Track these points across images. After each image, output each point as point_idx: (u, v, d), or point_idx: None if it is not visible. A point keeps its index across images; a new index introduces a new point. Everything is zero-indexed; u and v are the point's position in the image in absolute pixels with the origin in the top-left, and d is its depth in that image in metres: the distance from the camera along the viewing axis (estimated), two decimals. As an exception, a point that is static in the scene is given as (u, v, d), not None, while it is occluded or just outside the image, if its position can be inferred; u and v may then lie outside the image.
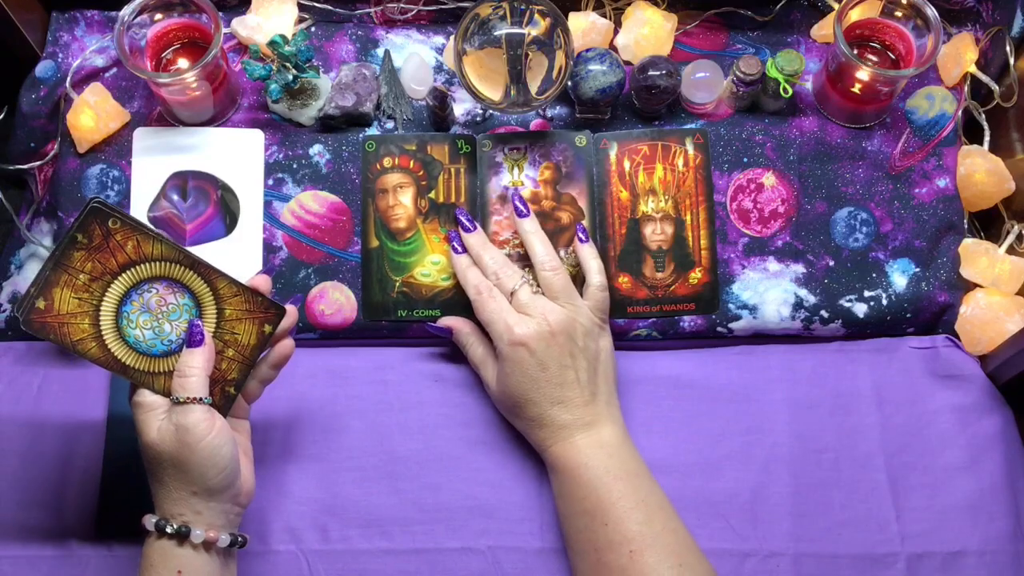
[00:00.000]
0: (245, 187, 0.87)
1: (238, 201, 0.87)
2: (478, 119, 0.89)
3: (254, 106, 0.89)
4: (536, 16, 0.81)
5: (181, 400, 0.67)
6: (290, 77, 0.85)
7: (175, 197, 0.86)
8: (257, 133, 0.88)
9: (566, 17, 0.86)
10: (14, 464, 0.81)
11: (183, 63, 0.87)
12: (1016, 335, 0.81)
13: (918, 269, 0.86)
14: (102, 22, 0.92)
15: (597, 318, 0.79)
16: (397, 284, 0.85)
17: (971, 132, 0.92)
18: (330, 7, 0.91)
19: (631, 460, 0.75)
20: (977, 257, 0.86)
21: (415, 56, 0.89)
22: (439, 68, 0.91)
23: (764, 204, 0.87)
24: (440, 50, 0.91)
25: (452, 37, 0.87)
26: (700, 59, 0.89)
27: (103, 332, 0.68)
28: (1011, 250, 0.86)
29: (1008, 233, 0.87)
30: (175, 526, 0.67)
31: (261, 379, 0.74)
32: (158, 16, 0.85)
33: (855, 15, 0.86)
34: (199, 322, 0.70)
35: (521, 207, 0.82)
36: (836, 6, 0.90)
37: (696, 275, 0.86)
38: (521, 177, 0.87)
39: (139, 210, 0.86)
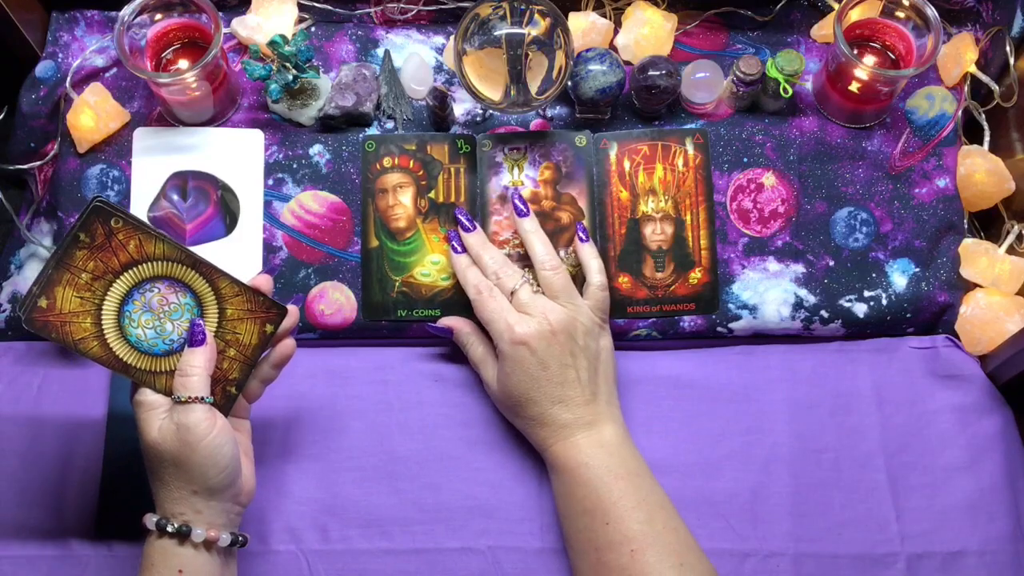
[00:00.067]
0: (245, 187, 0.87)
1: (238, 201, 0.87)
2: (478, 119, 0.89)
3: (254, 106, 0.89)
4: (536, 16, 0.81)
5: (183, 399, 0.67)
6: (290, 77, 0.85)
7: (175, 197, 0.86)
8: (257, 133, 0.88)
9: (566, 17, 0.86)
10: (14, 464, 0.81)
11: (183, 63, 0.87)
12: (1016, 335, 0.81)
13: (918, 269, 0.86)
14: (102, 22, 0.92)
15: (597, 317, 0.80)
16: (397, 284, 0.85)
17: (971, 132, 0.92)
18: (330, 7, 0.92)
19: (632, 459, 0.75)
20: (977, 257, 0.86)
21: (415, 56, 0.90)
22: (439, 68, 0.91)
23: (764, 204, 0.87)
24: (440, 50, 0.92)
25: (452, 37, 0.88)
26: (700, 59, 0.89)
27: (105, 331, 0.68)
28: (1011, 250, 0.86)
29: (1008, 233, 0.87)
30: (176, 525, 0.67)
31: (262, 379, 0.74)
32: (158, 16, 0.85)
33: (855, 15, 0.86)
34: (201, 321, 0.70)
35: (521, 206, 0.82)
36: (836, 6, 0.91)
37: (696, 275, 0.86)
38: (521, 177, 0.87)
39: (139, 210, 0.86)
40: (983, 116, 0.91)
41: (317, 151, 0.88)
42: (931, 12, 0.83)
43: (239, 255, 0.86)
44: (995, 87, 0.89)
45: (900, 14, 0.86)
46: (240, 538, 0.70)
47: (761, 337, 0.87)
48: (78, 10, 0.92)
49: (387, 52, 0.91)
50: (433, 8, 0.92)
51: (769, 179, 0.87)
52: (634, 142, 0.88)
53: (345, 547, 0.79)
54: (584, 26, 0.90)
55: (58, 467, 0.81)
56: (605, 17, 0.91)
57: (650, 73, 0.85)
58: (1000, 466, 0.82)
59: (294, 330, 0.75)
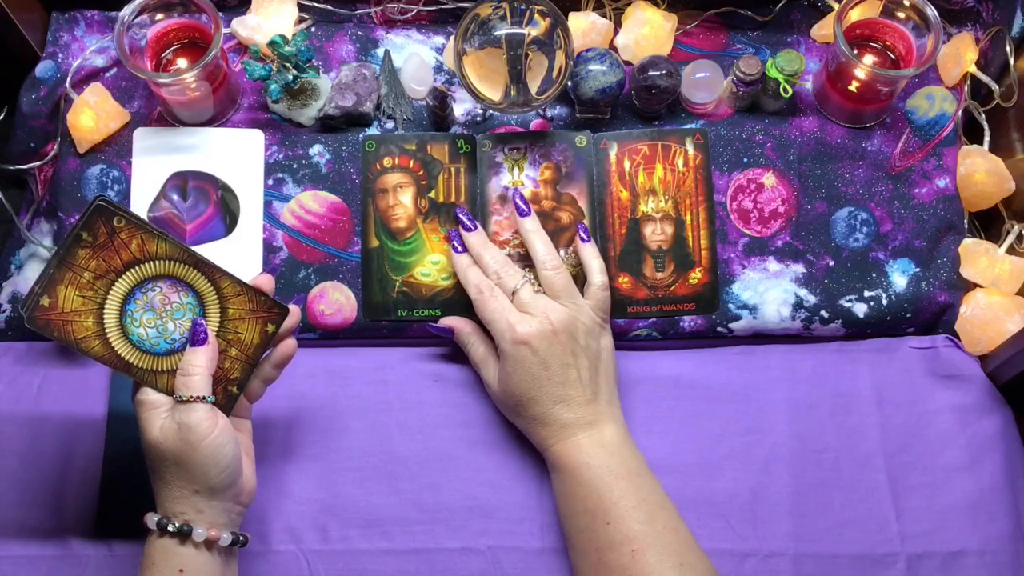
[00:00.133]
0: (245, 187, 0.87)
1: (238, 201, 0.87)
2: (478, 119, 0.89)
3: (254, 106, 0.89)
4: (536, 16, 0.82)
5: (184, 399, 0.67)
6: (290, 77, 0.85)
7: (175, 197, 0.87)
8: (257, 133, 0.88)
9: (566, 17, 0.86)
10: (14, 464, 0.81)
11: (183, 63, 0.87)
12: (1016, 335, 0.81)
13: (918, 269, 0.86)
14: (102, 22, 0.92)
15: (598, 317, 0.80)
16: (397, 284, 0.85)
17: (971, 132, 0.92)
18: (330, 7, 0.92)
19: (632, 459, 0.75)
20: (977, 257, 0.86)
21: (415, 56, 0.90)
22: (439, 68, 0.91)
23: (764, 204, 0.87)
24: (440, 50, 0.92)
25: (452, 37, 0.88)
26: (700, 59, 0.89)
27: (107, 330, 0.69)
28: (1011, 250, 0.86)
29: (1008, 233, 0.87)
30: (177, 524, 0.67)
31: (263, 378, 0.74)
32: (158, 16, 0.85)
33: (855, 15, 0.86)
34: (203, 321, 0.70)
35: (522, 206, 0.82)
36: (836, 6, 0.91)
37: (696, 275, 0.86)
38: (521, 177, 0.87)
39: (139, 210, 0.86)
40: (983, 116, 0.91)
41: (317, 151, 0.88)
42: (931, 12, 0.83)
43: (239, 255, 0.86)
44: (995, 87, 0.90)
45: (900, 14, 0.86)
46: (241, 538, 0.71)
47: (761, 337, 0.87)
48: (78, 10, 0.92)
49: (387, 52, 0.91)
50: (433, 8, 0.92)
51: (769, 179, 0.88)
52: (634, 142, 0.88)
53: (345, 547, 0.79)
54: (584, 26, 0.90)
55: (58, 467, 0.81)
56: (605, 17, 0.92)
57: (650, 73, 0.85)
58: (1000, 466, 0.82)
59: (295, 330, 0.75)
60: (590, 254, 0.82)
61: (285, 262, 0.86)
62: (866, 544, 0.80)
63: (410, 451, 0.82)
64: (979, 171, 0.88)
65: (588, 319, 0.78)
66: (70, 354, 0.85)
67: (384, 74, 0.90)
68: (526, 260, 0.83)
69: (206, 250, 0.83)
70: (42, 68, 0.89)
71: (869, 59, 0.88)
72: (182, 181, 0.87)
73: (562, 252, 0.85)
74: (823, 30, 0.92)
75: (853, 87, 0.85)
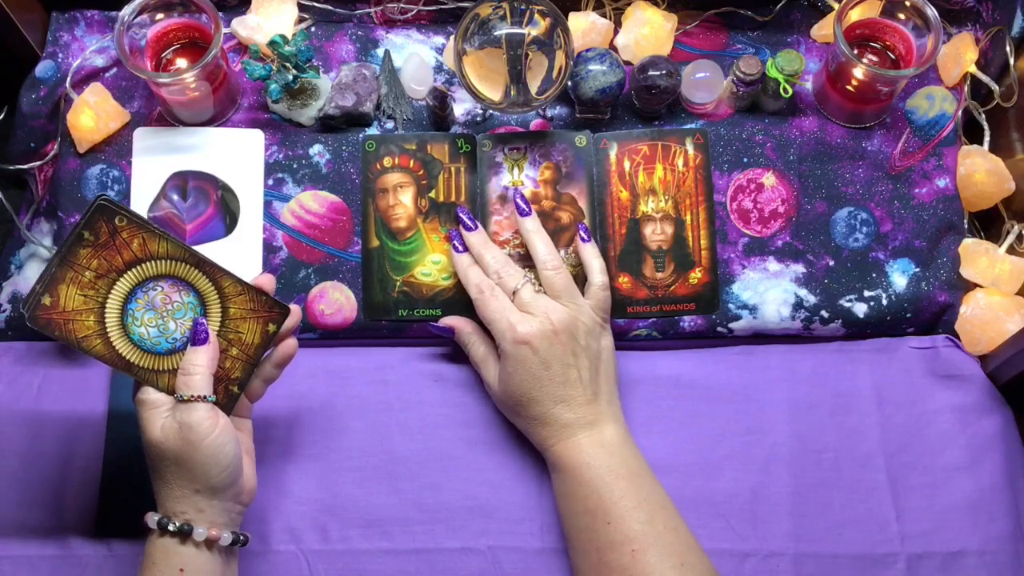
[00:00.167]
0: (245, 187, 0.87)
1: (238, 201, 0.87)
2: (478, 119, 0.89)
3: (254, 106, 0.89)
4: (536, 16, 0.82)
5: (185, 398, 0.68)
6: (290, 77, 0.85)
7: (175, 197, 0.87)
8: (257, 133, 0.88)
9: (566, 17, 0.86)
10: (14, 464, 0.82)
11: (183, 63, 0.87)
12: (1016, 335, 0.81)
13: (918, 269, 0.86)
14: (102, 22, 0.92)
15: (599, 317, 0.80)
16: (398, 284, 0.85)
17: (971, 132, 0.92)
18: (330, 7, 0.92)
19: (633, 459, 0.76)
20: (977, 257, 0.86)
21: (415, 56, 0.90)
22: (439, 68, 0.91)
23: (764, 204, 0.87)
24: (440, 50, 0.92)
25: (452, 37, 0.88)
26: (700, 59, 0.89)
27: (108, 329, 0.69)
28: (1011, 250, 0.86)
29: (1008, 233, 0.87)
30: (177, 524, 0.68)
31: (264, 378, 0.75)
32: (158, 16, 0.85)
33: (855, 15, 0.87)
34: (204, 320, 0.70)
35: (523, 206, 0.82)
36: (836, 6, 0.91)
37: (696, 275, 0.86)
38: (521, 177, 0.87)
39: (139, 210, 0.86)
40: (983, 116, 0.91)
41: (317, 151, 0.88)
42: (931, 12, 0.83)
43: (239, 255, 0.86)
44: (995, 87, 0.90)
45: (900, 14, 0.86)
46: (241, 537, 0.71)
47: (761, 337, 0.87)
48: (78, 10, 0.92)
49: (387, 52, 0.91)
50: (433, 8, 0.92)
51: (769, 179, 0.88)
52: (634, 142, 0.88)
53: (345, 547, 0.79)
54: (584, 26, 0.90)
55: (58, 467, 0.81)
56: (605, 17, 0.92)
57: (650, 73, 0.85)
58: (1000, 466, 0.82)
59: (296, 330, 0.75)
60: (591, 254, 0.82)
61: (285, 262, 0.86)
62: (866, 544, 0.80)
63: (410, 451, 0.82)
64: (979, 171, 0.88)
65: (589, 319, 0.79)
66: (70, 354, 0.85)
67: (384, 74, 0.90)
68: (526, 260, 0.83)
69: (206, 250, 0.84)
70: (42, 68, 0.90)
71: (869, 59, 0.88)
72: (182, 181, 0.87)
73: (562, 252, 0.85)
74: (823, 30, 0.92)
75: (851, 85, 0.85)
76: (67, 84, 0.88)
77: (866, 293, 0.86)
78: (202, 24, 0.86)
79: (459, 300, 0.84)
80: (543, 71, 0.83)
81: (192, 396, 0.68)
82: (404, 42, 0.92)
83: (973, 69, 0.90)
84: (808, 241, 0.87)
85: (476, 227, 0.83)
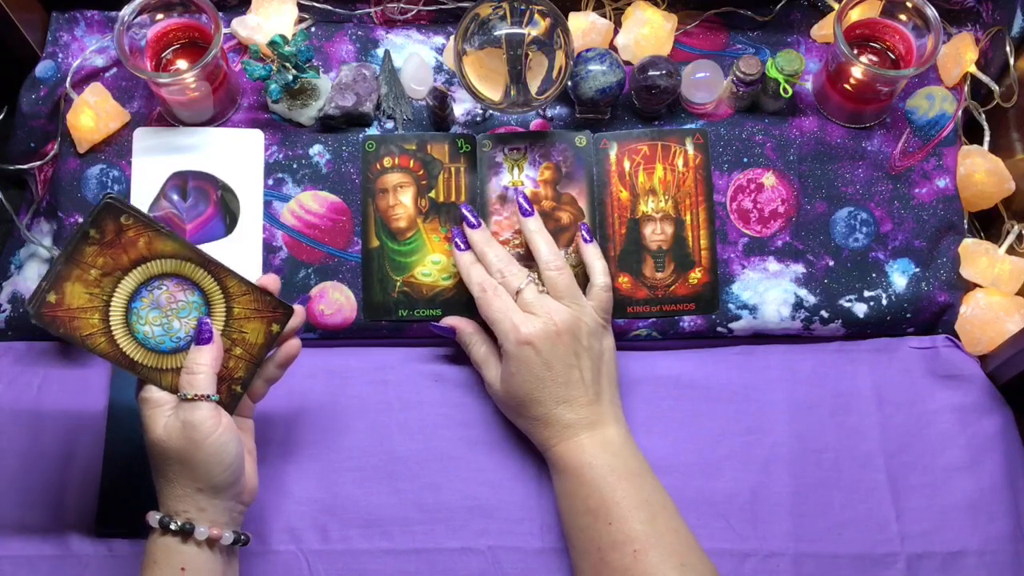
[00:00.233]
0: (245, 187, 0.87)
1: (238, 201, 0.87)
2: (478, 119, 0.89)
3: (254, 106, 0.90)
4: (536, 16, 0.82)
5: (188, 397, 0.68)
6: (290, 77, 0.85)
7: (175, 197, 0.87)
8: (257, 133, 0.88)
9: (566, 17, 0.87)
10: (14, 464, 0.82)
11: (183, 63, 0.87)
12: (1016, 335, 0.81)
13: (918, 269, 0.86)
14: (102, 22, 0.92)
15: (601, 318, 0.80)
16: (398, 284, 0.85)
17: (971, 132, 0.92)
18: (330, 7, 0.92)
19: (634, 459, 0.76)
20: (977, 257, 0.86)
21: (415, 56, 0.90)
22: (439, 68, 0.91)
23: (764, 204, 0.87)
24: (440, 50, 0.92)
25: (452, 37, 0.88)
26: (700, 59, 0.89)
27: (112, 327, 0.69)
28: (1011, 250, 0.87)
29: (1008, 233, 0.87)
30: (179, 523, 0.68)
31: (267, 378, 0.75)
32: (158, 16, 0.85)
33: (855, 15, 0.87)
34: (208, 320, 0.71)
35: (526, 205, 0.82)
36: (836, 6, 0.91)
37: (696, 275, 0.86)
38: (521, 177, 0.87)
39: (139, 210, 0.86)
40: (983, 116, 0.91)
41: (317, 151, 0.88)
42: (931, 12, 0.83)
43: (239, 255, 0.86)
44: (995, 87, 0.90)
45: (900, 14, 0.86)
46: (242, 537, 0.71)
47: (761, 337, 0.87)
48: (78, 10, 0.92)
49: (387, 52, 0.91)
50: (433, 8, 0.92)
51: (769, 179, 0.88)
52: (634, 142, 0.88)
53: (345, 547, 0.79)
54: (584, 26, 0.90)
55: (58, 467, 0.81)
56: (605, 17, 0.92)
57: (650, 73, 0.85)
58: (1000, 466, 0.82)
59: (299, 330, 0.75)
60: (593, 255, 0.82)
61: (285, 262, 0.86)
62: (866, 544, 0.80)
63: (410, 451, 0.82)
64: (979, 171, 0.88)
65: (591, 320, 0.79)
66: (70, 354, 0.85)
67: (384, 74, 0.90)
68: (526, 259, 0.83)
69: (206, 250, 0.84)
70: (42, 68, 0.90)
71: (869, 59, 0.88)
72: (182, 181, 0.87)
73: (562, 252, 0.85)
74: (823, 30, 0.92)
75: (849, 84, 0.85)
76: (67, 84, 0.88)
77: (866, 293, 0.86)
78: (202, 24, 0.86)
79: (459, 300, 0.84)
80: (543, 71, 0.83)
81: (196, 395, 0.68)
82: (404, 42, 0.92)
83: (973, 69, 0.90)
84: (808, 241, 0.87)
85: (479, 224, 0.83)
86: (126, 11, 0.82)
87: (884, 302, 0.86)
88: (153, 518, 0.69)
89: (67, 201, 0.87)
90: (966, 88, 0.91)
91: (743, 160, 0.88)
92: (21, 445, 0.82)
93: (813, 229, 0.87)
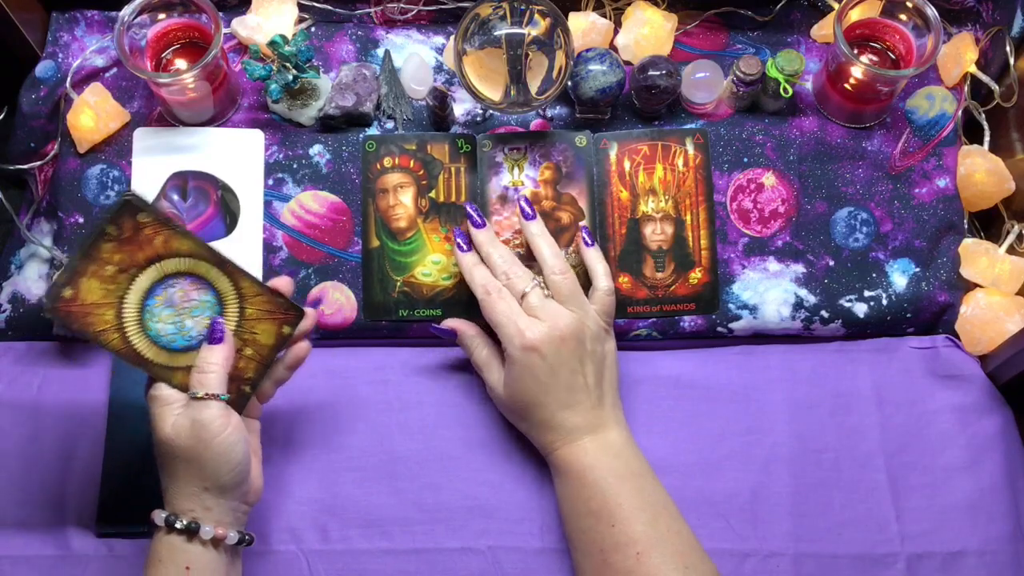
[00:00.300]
0: (245, 187, 0.87)
1: (238, 201, 0.87)
2: (478, 119, 0.89)
3: (254, 106, 0.90)
4: (536, 16, 0.82)
5: (199, 396, 0.68)
6: (290, 77, 0.85)
7: (175, 197, 0.87)
8: (257, 133, 0.88)
9: (566, 17, 0.87)
10: (14, 464, 0.82)
11: (183, 63, 0.87)
12: (1016, 335, 0.81)
13: (918, 269, 0.86)
14: (102, 22, 0.92)
15: (603, 322, 0.80)
16: (398, 284, 0.85)
17: (971, 132, 0.92)
18: (330, 7, 0.92)
19: (636, 462, 0.76)
20: (977, 257, 0.86)
21: (415, 56, 0.90)
22: (439, 68, 0.91)
23: (764, 204, 0.87)
24: (440, 50, 0.92)
25: (452, 37, 0.88)
26: (700, 59, 0.89)
27: (125, 324, 0.69)
28: (1011, 250, 0.87)
29: (1008, 233, 0.87)
30: (185, 522, 0.68)
31: (276, 379, 0.75)
32: (158, 16, 0.86)
33: (855, 15, 0.87)
34: (221, 320, 0.71)
35: (528, 209, 0.82)
36: (836, 6, 0.91)
37: (696, 275, 0.86)
38: (521, 177, 0.87)
39: (139, 210, 0.86)
40: (983, 116, 0.91)
41: (317, 151, 0.88)
42: (931, 12, 0.83)
43: (239, 255, 0.85)
44: (995, 87, 0.90)
45: (900, 14, 0.86)
46: (247, 537, 0.71)
47: (761, 337, 0.87)
48: (78, 10, 0.92)
49: (387, 52, 0.91)
50: (433, 8, 0.92)
51: (769, 179, 0.88)
52: (634, 142, 0.88)
53: (345, 547, 0.79)
54: (584, 26, 0.90)
55: (58, 467, 0.82)
56: (605, 17, 0.92)
57: (650, 73, 0.85)
58: (1000, 466, 0.82)
59: (310, 333, 0.75)
60: (595, 258, 0.81)
61: (285, 262, 0.86)
62: (866, 544, 0.80)
63: (410, 451, 0.82)
64: (979, 171, 0.88)
65: (595, 324, 0.78)
66: (70, 354, 0.85)
67: (384, 74, 0.90)
68: (527, 259, 0.83)
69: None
70: (42, 68, 0.90)
71: (869, 59, 0.88)
72: (182, 181, 0.87)
73: (563, 251, 0.85)
74: (823, 30, 0.92)
75: (849, 84, 0.85)
76: (67, 84, 0.88)
77: (866, 293, 0.86)
78: (202, 24, 0.86)
79: (459, 300, 0.85)
80: (543, 71, 0.83)
81: (206, 394, 0.68)
82: (404, 42, 0.92)
83: (973, 69, 0.90)
84: (808, 241, 0.87)
85: (484, 223, 0.82)
86: (126, 11, 0.82)
87: (884, 302, 0.86)
88: (159, 516, 0.69)
89: (67, 201, 0.87)
90: (966, 88, 0.91)
91: (743, 160, 0.88)
92: (21, 445, 0.82)
93: (813, 229, 0.87)
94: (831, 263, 0.87)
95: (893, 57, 0.88)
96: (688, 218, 0.87)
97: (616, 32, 0.92)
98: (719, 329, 0.86)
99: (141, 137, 0.88)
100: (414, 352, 0.86)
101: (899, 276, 0.87)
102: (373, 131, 0.89)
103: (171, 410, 0.69)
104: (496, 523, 0.80)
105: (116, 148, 0.88)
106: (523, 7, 0.82)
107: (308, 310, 0.74)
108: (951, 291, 0.87)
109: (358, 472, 0.82)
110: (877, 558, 0.80)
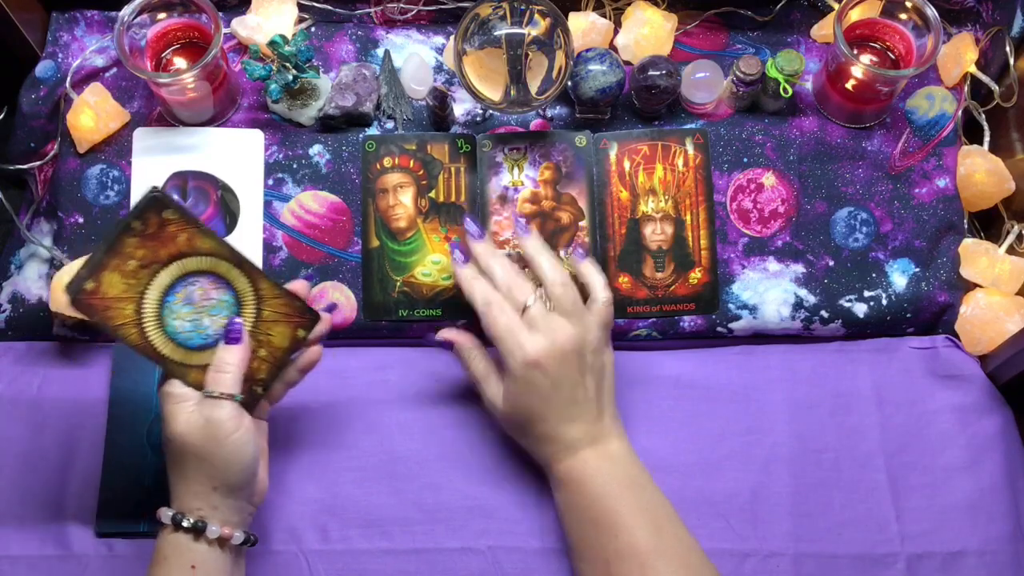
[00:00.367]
0: (245, 187, 0.87)
1: (238, 201, 0.87)
2: (478, 119, 0.89)
3: (254, 106, 0.90)
4: (536, 16, 0.82)
5: (214, 394, 0.69)
6: (290, 77, 0.85)
7: (175, 197, 0.87)
8: (257, 133, 0.88)
9: (566, 17, 0.87)
10: (14, 464, 0.82)
11: (183, 63, 0.87)
12: (1016, 335, 0.81)
13: (918, 269, 0.86)
14: (102, 22, 0.92)
15: (603, 333, 0.79)
16: (398, 284, 0.86)
17: (971, 132, 0.93)
18: (330, 7, 0.92)
19: (637, 471, 0.76)
20: (977, 257, 0.86)
21: (415, 56, 0.90)
22: (439, 68, 0.91)
23: (764, 204, 0.87)
24: (440, 50, 0.92)
25: (452, 37, 0.88)
26: (700, 59, 0.89)
27: (144, 319, 0.70)
28: (1011, 250, 0.87)
29: (1008, 233, 0.87)
30: (191, 520, 0.68)
31: (287, 382, 0.76)
32: (158, 16, 0.86)
33: (855, 15, 0.87)
34: (240, 320, 0.72)
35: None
36: (836, 6, 0.91)
37: (696, 275, 0.86)
38: (521, 177, 0.87)
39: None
40: (983, 116, 0.92)
41: (317, 151, 0.88)
42: (931, 12, 0.83)
43: (239, 255, 0.86)
44: (995, 87, 0.90)
45: (900, 14, 0.86)
46: (251, 537, 0.72)
47: (761, 337, 0.87)
48: (78, 10, 0.92)
49: (387, 52, 0.91)
50: (433, 8, 0.92)
51: (769, 179, 0.88)
52: (634, 142, 0.88)
53: (345, 547, 0.79)
54: (584, 26, 0.90)
55: (58, 467, 0.82)
56: (605, 17, 0.92)
57: (650, 73, 0.85)
58: (1000, 466, 0.82)
59: (323, 337, 0.76)
60: (591, 270, 0.80)
61: (285, 262, 0.86)
62: (866, 544, 0.80)
63: (410, 451, 0.82)
64: (979, 171, 0.88)
65: (595, 337, 0.77)
66: (70, 354, 0.86)
67: (384, 74, 0.90)
68: (523, 261, 0.83)
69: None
70: (42, 68, 0.90)
71: (869, 59, 0.88)
72: (182, 181, 0.87)
73: (561, 252, 0.85)
74: (823, 30, 0.92)
75: (849, 84, 0.85)
76: (67, 84, 0.88)
77: (866, 293, 0.86)
78: (202, 24, 0.86)
79: (459, 301, 0.84)
80: (543, 71, 0.83)
81: (221, 393, 0.69)
82: (404, 42, 0.92)
83: (973, 69, 0.90)
84: (808, 241, 0.87)
85: (483, 236, 0.81)
86: (126, 11, 0.83)
87: (884, 302, 0.86)
88: (165, 514, 0.69)
89: (67, 201, 0.87)
90: (966, 88, 0.91)
91: (743, 160, 0.88)
92: (21, 445, 0.83)
93: (813, 229, 0.87)
94: (831, 263, 0.87)
95: (893, 57, 0.88)
96: (688, 218, 0.87)
97: (616, 32, 0.92)
98: (719, 329, 0.86)
99: (141, 137, 0.88)
100: (414, 352, 0.86)
101: (899, 276, 0.87)
102: (373, 131, 0.89)
103: (184, 407, 0.69)
104: (496, 523, 0.80)
105: (116, 148, 0.88)
106: (523, 7, 0.82)
107: (323, 315, 0.75)
108: (951, 291, 0.87)
109: (358, 472, 0.82)
110: (877, 558, 0.80)
